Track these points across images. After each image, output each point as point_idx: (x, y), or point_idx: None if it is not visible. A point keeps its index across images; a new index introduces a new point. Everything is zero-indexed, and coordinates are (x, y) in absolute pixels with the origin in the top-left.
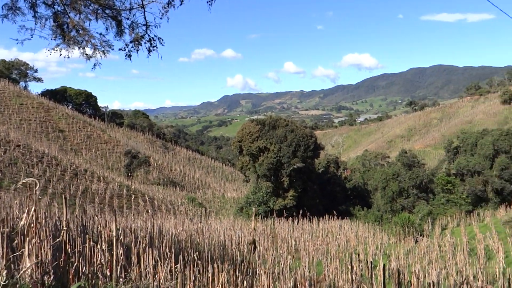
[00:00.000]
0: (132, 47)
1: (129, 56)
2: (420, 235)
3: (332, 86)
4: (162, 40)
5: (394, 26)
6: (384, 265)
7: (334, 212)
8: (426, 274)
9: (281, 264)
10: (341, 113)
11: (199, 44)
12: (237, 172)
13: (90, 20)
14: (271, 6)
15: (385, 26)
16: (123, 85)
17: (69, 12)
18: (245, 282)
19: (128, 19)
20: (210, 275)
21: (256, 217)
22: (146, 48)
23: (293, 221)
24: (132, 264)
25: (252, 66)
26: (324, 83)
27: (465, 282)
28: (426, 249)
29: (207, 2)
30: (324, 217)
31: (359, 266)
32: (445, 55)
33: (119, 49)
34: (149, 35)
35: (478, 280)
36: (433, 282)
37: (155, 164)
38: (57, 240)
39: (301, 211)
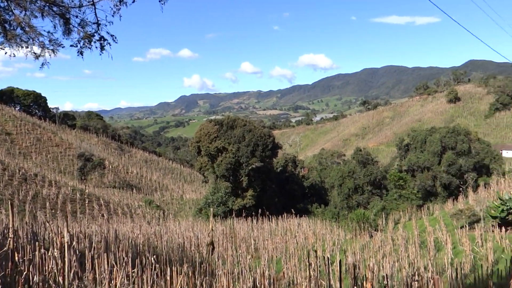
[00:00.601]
0: (83, 44)
1: (81, 53)
2: (375, 230)
3: (289, 86)
4: (115, 38)
5: (347, 28)
6: (340, 260)
7: (293, 210)
8: (381, 268)
9: (241, 263)
10: (298, 113)
11: (155, 43)
12: (195, 173)
13: (36, 17)
14: (228, 6)
15: (339, 27)
16: (75, 85)
17: (14, 9)
18: (204, 284)
19: (77, 17)
20: (168, 278)
21: (215, 218)
22: (97, 47)
23: (252, 220)
24: (87, 270)
25: (210, 66)
26: (281, 83)
27: (416, 273)
28: (380, 244)
29: (160, 1)
30: (283, 215)
31: (317, 262)
32: (396, 56)
33: (71, 46)
34: (99, 34)
35: (429, 271)
36: (386, 275)
37: (110, 166)
38: (4, 249)
39: (260, 210)
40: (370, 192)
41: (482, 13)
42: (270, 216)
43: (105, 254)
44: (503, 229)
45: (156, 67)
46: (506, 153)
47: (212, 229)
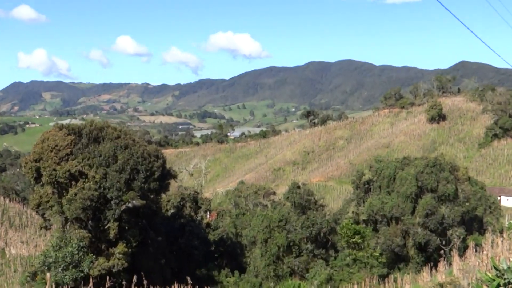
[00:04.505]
0: None
1: None
2: None
3: (194, 81)
4: None
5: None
6: None
7: (189, 279)
8: None
9: None
10: (205, 123)
11: None
12: (30, 213)
13: None
14: None
15: None
16: None
17: None
18: None
19: None
20: None
21: None
22: None
23: None
24: None
25: (64, 37)
26: (181, 74)
27: None
28: None
29: None
30: (174, 287)
31: None
32: (357, 48)
33: None
34: None
35: None
36: None
37: None
38: None
39: (135, 277)
40: (311, 253)
41: (480, 2)
42: None
43: None
44: None
45: None
46: (506, 201)
47: None
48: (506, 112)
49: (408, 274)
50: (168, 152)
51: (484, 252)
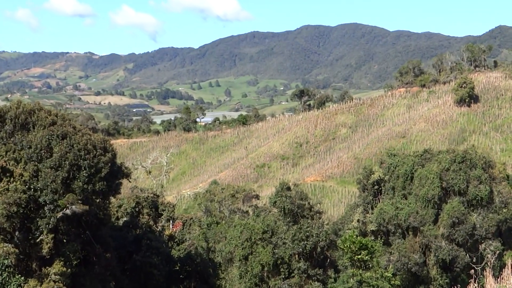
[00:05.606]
0: None
1: None
2: None
3: (153, 50)
4: None
5: None
6: None
7: None
8: None
9: None
10: (168, 105)
11: None
12: None
13: None
14: None
15: None
16: None
17: None
18: None
19: None
20: None
21: None
22: None
23: None
24: None
25: None
26: (135, 41)
27: None
28: None
29: None
30: None
31: None
32: (364, 8)
33: None
34: None
35: None
36: None
37: None
38: None
39: None
40: (305, 274)
41: None
42: None
43: None
44: None
45: None
46: None
47: None
48: None
49: None
50: (119, 143)
51: None
